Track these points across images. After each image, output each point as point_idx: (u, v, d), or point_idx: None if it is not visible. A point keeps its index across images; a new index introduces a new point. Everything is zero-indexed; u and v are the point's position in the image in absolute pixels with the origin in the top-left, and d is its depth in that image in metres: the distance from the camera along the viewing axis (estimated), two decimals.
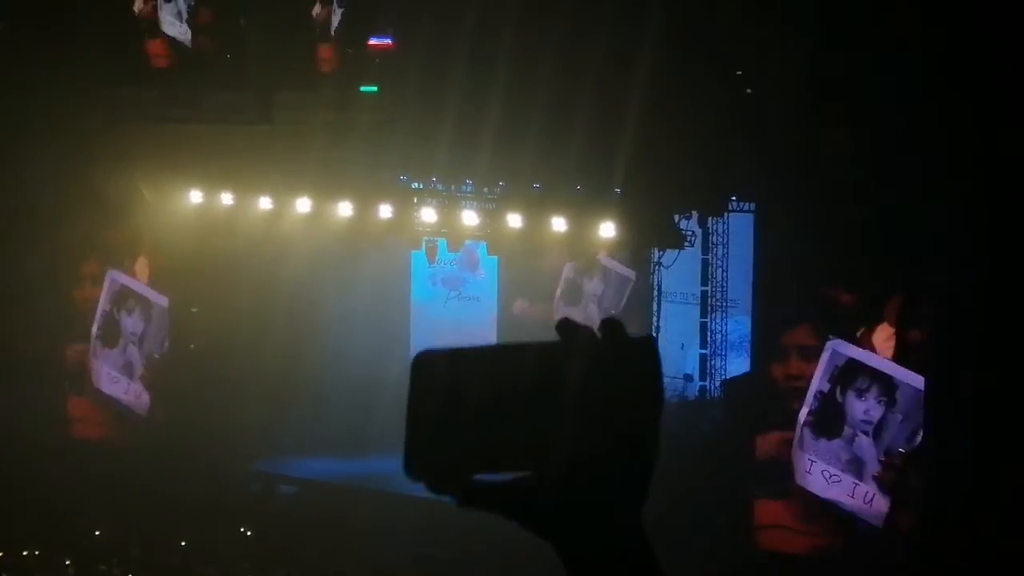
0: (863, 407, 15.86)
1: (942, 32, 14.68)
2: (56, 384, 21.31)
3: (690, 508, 16.94)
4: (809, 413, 16.13)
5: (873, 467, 15.86)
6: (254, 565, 17.74)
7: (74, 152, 19.08)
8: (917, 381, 15.56)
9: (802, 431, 16.21)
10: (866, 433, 15.87)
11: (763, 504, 16.86)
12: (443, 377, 1.46)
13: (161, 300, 20.71)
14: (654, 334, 20.06)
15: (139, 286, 20.86)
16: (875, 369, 15.85)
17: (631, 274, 20.40)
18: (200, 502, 19.31)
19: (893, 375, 15.73)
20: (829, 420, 16.06)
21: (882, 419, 15.79)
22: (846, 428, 16.00)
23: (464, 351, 1.48)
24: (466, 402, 1.44)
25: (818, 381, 16.05)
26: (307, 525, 18.63)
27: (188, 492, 19.69)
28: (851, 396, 15.93)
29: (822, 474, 16.19)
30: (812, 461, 16.17)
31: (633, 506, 1.48)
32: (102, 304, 20.99)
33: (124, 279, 20.96)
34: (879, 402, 15.78)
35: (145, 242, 20.86)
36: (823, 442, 16.11)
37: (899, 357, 15.89)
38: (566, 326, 1.48)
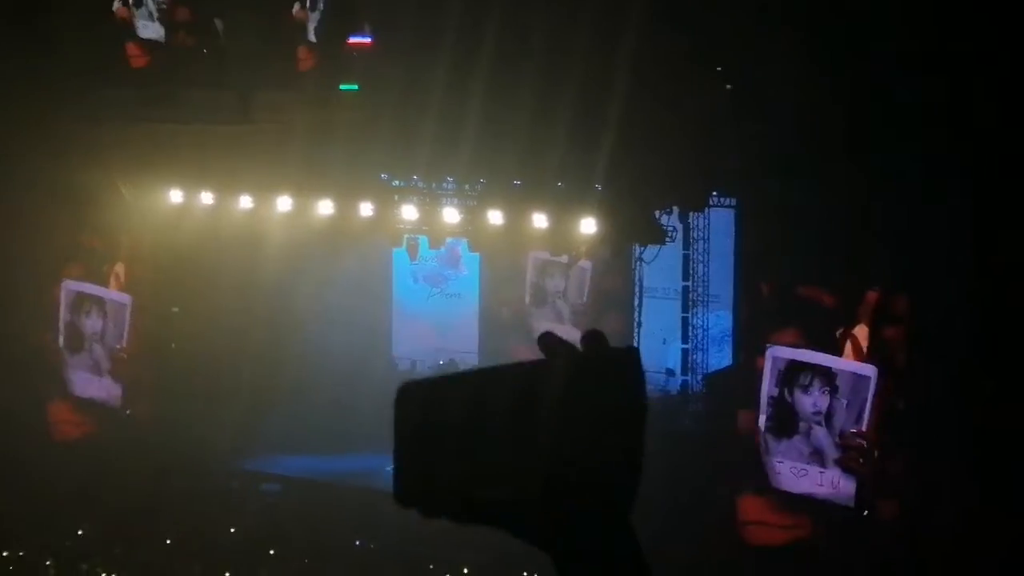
0: (810, 400, 16.41)
1: (930, 26, 14.72)
2: (36, 388, 21.25)
3: (673, 504, 16.98)
4: (767, 419, 16.56)
5: (832, 453, 16.32)
6: (237, 562, 17.71)
7: (52, 153, 18.99)
8: (852, 367, 16.18)
9: (764, 438, 16.60)
10: (819, 424, 16.38)
11: (746, 499, 16.92)
12: (428, 404, 1.47)
13: (119, 298, 20.74)
14: (637, 326, 20.12)
15: (93, 288, 20.90)
16: (814, 364, 16.36)
17: (585, 265, 20.54)
18: (183, 500, 19.28)
19: (831, 366, 16.27)
20: (784, 421, 16.54)
21: (829, 407, 16.29)
22: (800, 423, 16.46)
23: (447, 377, 1.48)
24: (453, 426, 1.45)
25: (767, 387, 16.46)
26: (290, 522, 18.61)
27: (170, 490, 19.66)
28: (798, 393, 16.46)
29: (791, 471, 16.61)
30: (780, 461, 16.64)
31: (622, 515, 1.50)
32: (62, 315, 21.05)
33: (77, 286, 21.01)
34: (823, 392, 16.29)
35: (124, 243, 20.80)
36: (784, 442, 16.61)
37: (877, 353, 16.06)
38: (547, 342, 1.49)
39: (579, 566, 1.48)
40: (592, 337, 1.50)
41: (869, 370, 16.07)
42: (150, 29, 19.68)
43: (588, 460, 1.45)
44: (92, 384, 21.06)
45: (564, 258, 20.50)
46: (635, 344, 1.55)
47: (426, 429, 1.46)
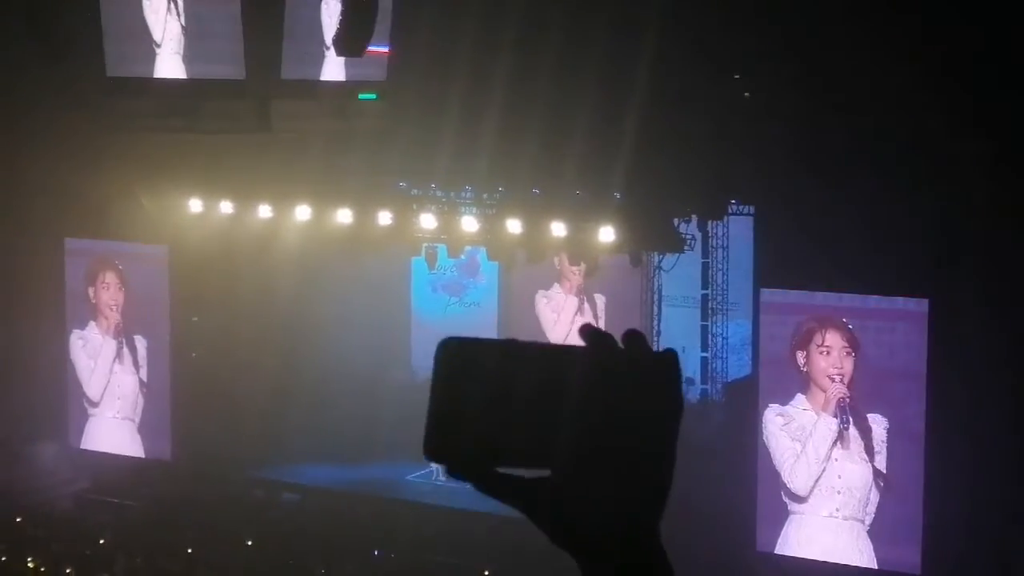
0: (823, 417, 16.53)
1: (941, 31, 14.68)
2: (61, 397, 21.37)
3: (692, 512, 16.94)
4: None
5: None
6: (256, 572, 17.72)
7: (74, 164, 19.07)
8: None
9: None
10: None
11: (764, 508, 16.87)
12: (469, 365, 1.47)
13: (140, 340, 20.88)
14: (656, 334, 20.08)
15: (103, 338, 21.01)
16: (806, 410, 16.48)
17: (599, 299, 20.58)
18: (203, 509, 19.32)
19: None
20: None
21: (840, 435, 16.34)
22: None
23: (491, 342, 1.49)
24: (490, 394, 1.46)
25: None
26: (309, 531, 18.62)
27: (191, 499, 19.70)
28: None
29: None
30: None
31: (652, 518, 1.48)
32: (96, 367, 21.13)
33: (86, 336, 21.09)
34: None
35: (145, 251, 20.87)
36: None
37: (897, 358, 16.02)
38: (590, 332, 1.49)
39: (603, 565, 1.46)
40: (634, 336, 1.50)
41: None
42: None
43: (627, 455, 1.46)
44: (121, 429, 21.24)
45: (572, 291, 20.59)
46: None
47: (466, 388, 1.46)
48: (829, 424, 16.26)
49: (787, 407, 16.53)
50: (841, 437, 16.20)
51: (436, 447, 1.47)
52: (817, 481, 16.32)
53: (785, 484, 16.50)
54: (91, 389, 21.25)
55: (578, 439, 1.44)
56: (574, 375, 1.45)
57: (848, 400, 16.16)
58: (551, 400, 1.45)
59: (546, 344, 1.48)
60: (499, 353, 1.48)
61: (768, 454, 16.71)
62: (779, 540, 16.65)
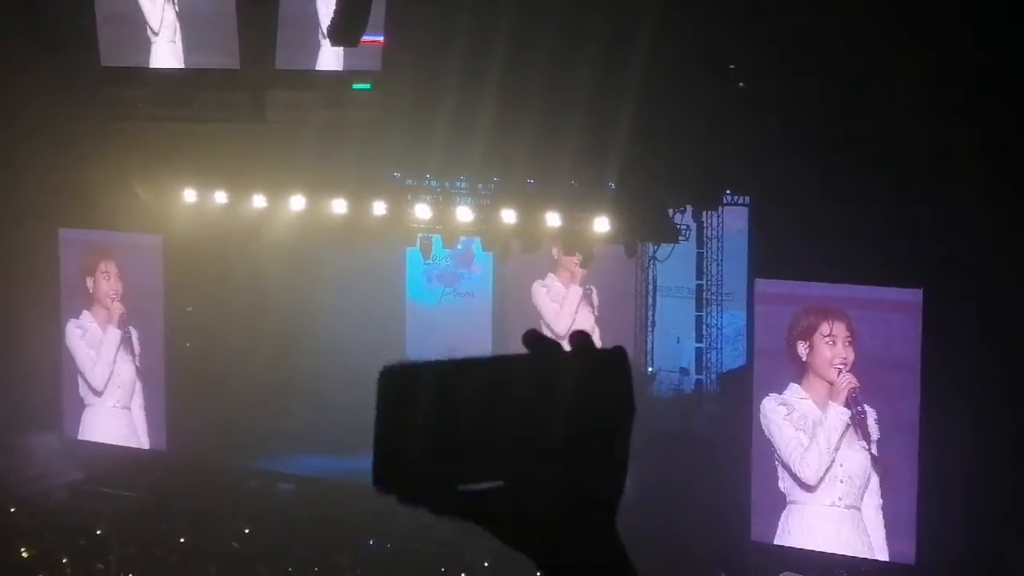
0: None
1: (942, 27, 14.68)
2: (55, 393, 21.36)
3: (687, 501, 16.97)
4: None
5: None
6: (252, 562, 17.73)
7: (68, 154, 19.04)
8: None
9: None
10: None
11: (759, 498, 16.90)
12: (412, 390, 1.46)
13: (132, 331, 20.86)
14: (651, 325, 20.08)
15: (101, 331, 20.98)
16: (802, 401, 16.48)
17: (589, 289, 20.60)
18: (198, 499, 19.32)
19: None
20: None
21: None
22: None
23: (432, 364, 1.47)
24: (436, 415, 1.44)
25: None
26: (304, 521, 18.63)
27: (186, 489, 19.70)
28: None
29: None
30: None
31: (607, 515, 1.49)
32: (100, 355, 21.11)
33: (84, 326, 21.06)
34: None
35: (139, 241, 20.85)
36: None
37: (892, 347, 16.04)
38: (534, 339, 1.49)
39: (561, 564, 1.47)
40: (581, 338, 1.49)
41: None
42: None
43: (580, 455, 1.45)
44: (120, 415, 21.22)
45: (576, 280, 20.64)
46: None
47: (411, 415, 1.45)
48: (840, 414, 16.23)
49: (785, 396, 16.54)
50: (849, 427, 16.22)
51: (385, 477, 1.46)
52: (827, 471, 16.33)
53: (796, 474, 16.48)
54: (95, 379, 21.20)
55: (528, 445, 1.44)
56: (519, 384, 1.44)
57: (858, 390, 16.17)
58: (498, 411, 1.44)
59: (491, 356, 1.47)
60: (441, 372, 1.46)
61: (764, 443, 16.71)
62: (778, 530, 16.66)
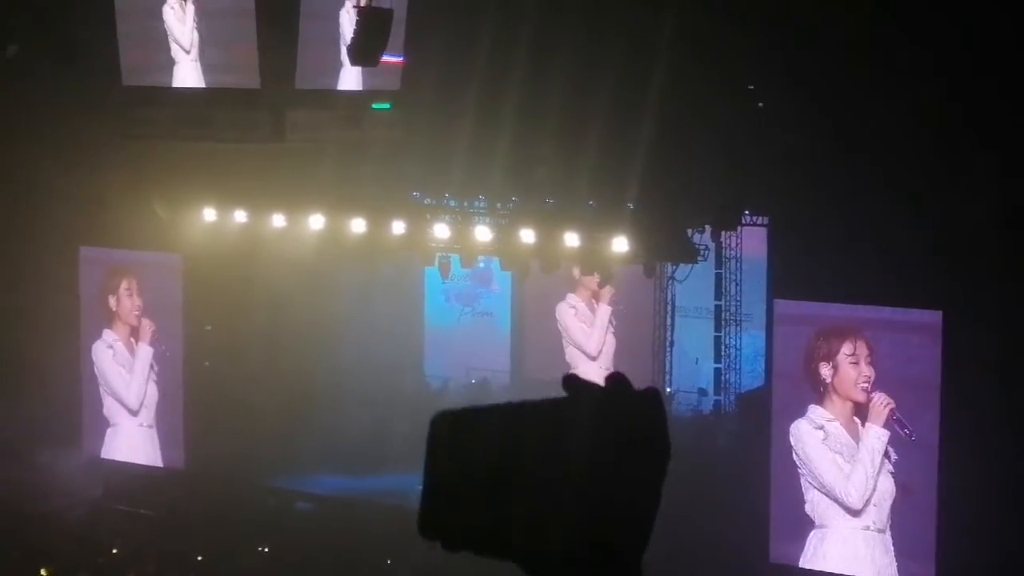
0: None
1: (954, 42, 14.68)
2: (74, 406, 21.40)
3: (705, 522, 16.91)
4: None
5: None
6: None
7: (88, 173, 19.13)
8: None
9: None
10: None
11: (778, 519, 16.83)
12: (460, 440, 1.46)
13: (147, 350, 20.91)
14: (669, 345, 20.05)
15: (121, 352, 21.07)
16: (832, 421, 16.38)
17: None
18: (216, 518, 19.34)
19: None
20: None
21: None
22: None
23: (479, 411, 1.47)
24: (486, 468, 1.45)
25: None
26: (323, 541, 18.63)
27: (204, 508, 19.72)
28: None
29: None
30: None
31: (636, 557, 1.49)
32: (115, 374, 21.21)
33: (113, 345, 21.13)
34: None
35: (158, 260, 20.93)
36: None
37: (911, 369, 15.98)
38: (572, 383, 1.49)
39: None
40: (616, 380, 1.49)
41: None
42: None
43: (616, 499, 1.45)
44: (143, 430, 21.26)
45: (604, 300, 20.69)
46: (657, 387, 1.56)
47: (458, 466, 1.45)
48: (880, 436, 16.09)
49: (817, 419, 16.39)
50: (889, 449, 16.08)
51: (435, 525, 1.46)
52: (873, 494, 16.18)
53: (840, 499, 16.29)
54: (130, 398, 21.12)
55: (565, 486, 1.44)
56: (568, 430, 1.44)
57: (895, 409, 16.03)
58: (550, 461, 1.44)
59: (535, 402, 1.47)
60: (498, 421, 1.46)
61: (788, 466, 16.57)
62: (808, 554, 16.51)
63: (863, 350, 16.18)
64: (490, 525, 1.45)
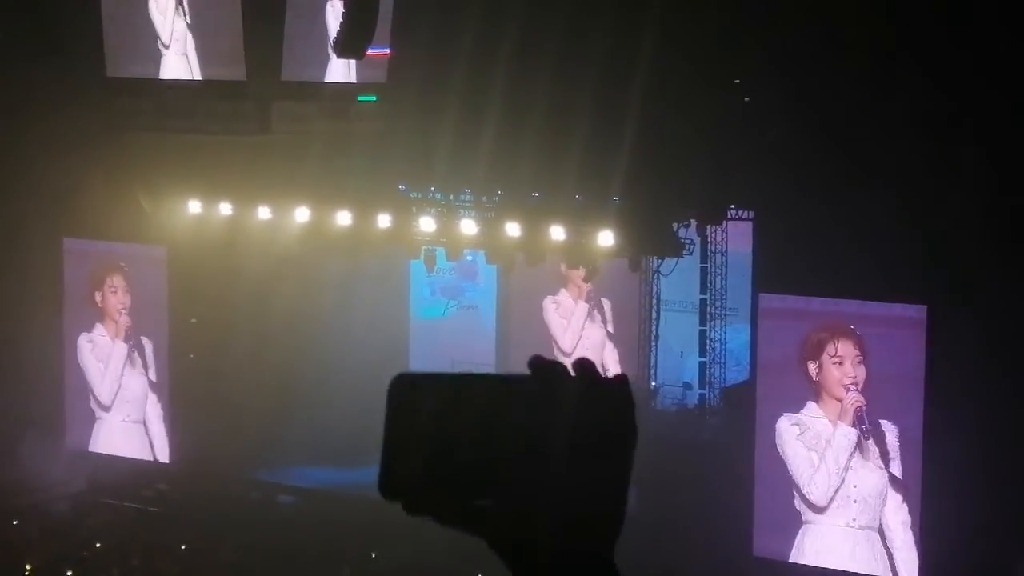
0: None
1: (947, 44, 14.71)
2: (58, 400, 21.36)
3: (689, 515, 16.94)
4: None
5: None
6: (254, 574, 17.71)
7: (73, 164, 19.07)
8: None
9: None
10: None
11: (762, 513, 16.86)
12: (420, 402, 1.48)
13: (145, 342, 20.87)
14: (654, 339, 20.07)
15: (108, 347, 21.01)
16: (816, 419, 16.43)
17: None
18: (200, 511, 19.30)
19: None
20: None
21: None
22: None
23: (441, 377, 1.50)
24: (439, 428, 1.46)
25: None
26: (306, 534, 18.61)
27: (188, 501, 19.69)
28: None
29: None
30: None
31: (607, 543, 1.49)
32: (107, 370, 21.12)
33: (95, 339, 21.05)
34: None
35: (143, 252, 20.88)
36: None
37: (897, 364, 16.03)
38: (539, 364, 1.49)
39: None
40: (584, 365, 1.49)
41: None
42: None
43: (582, 481, 1.46)
44: (133, 427, 21.19)
45: (581, 296, 20.71)
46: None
47: (418, 425, 1.47)
48: (847, 434, 16.19)
49: (800, 415, 16.47)
50: (860, 446, 16.16)
51: (390, 486, 1.48)
52: (837, 491, 16.26)
53: (805, 495, 16.42)
54: (102, 394, 21.14)
55: (528, 466, 1.45)
56: (520, 404, 1.45)
57: (864, 408, 16.12)
58: (499, 429, 1.45)
59: (494, 375, 1.49)
60: (447, 386, 1.48)
61: (774, 460, 16.65)
62: (793, 550, 16.57)
63: (849, 350, 16.24)
64: (442, 491, 1.47)
